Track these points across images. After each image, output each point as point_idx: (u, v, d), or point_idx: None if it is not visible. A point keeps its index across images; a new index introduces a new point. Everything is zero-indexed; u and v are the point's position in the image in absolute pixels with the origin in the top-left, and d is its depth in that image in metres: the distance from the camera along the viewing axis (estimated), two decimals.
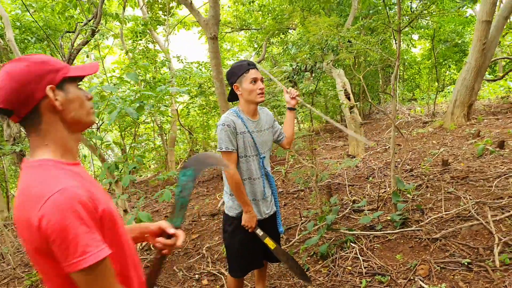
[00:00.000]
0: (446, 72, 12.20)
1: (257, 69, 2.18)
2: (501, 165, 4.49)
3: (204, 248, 3.87)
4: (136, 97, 3.48)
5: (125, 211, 4.29)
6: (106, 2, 7.80)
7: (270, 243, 2.23)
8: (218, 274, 3.25)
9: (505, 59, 11.79)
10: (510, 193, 3.59)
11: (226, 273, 3.18)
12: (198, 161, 1.34)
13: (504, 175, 4.10)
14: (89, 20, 5.86)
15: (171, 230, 1.21)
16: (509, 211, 3.18)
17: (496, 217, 3.13)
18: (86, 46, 7.16)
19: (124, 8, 8.36)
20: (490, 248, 2.73)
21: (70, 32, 6.74)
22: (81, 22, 6.33)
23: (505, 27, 7.95)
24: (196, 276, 3.32)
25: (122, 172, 3.77)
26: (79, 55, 8.76)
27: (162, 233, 1.23)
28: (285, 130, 2.42)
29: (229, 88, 2.30)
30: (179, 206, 1.26)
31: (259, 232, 2.21)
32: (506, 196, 3.54)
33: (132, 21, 8.21)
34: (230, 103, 4.28)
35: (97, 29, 5.72)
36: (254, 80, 2.13)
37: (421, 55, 13.64)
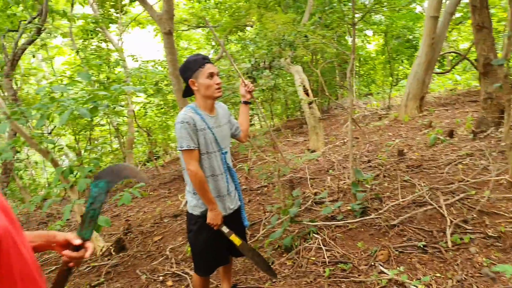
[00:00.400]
0: (399, 67, 12.73)
1: (212, 63, 2.14)
2: (451, 153, 4.76)
3: (167, 250, 3.77)
4: (89, 97, 3.31)
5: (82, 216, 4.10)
6: None
7: (235, 239, 2.19)
8: (183, 274, 3.18)
9: (452, 53, 12.49)
10: (459, 178, 3.81)
11: (191, 272, 3.11)
12: (112, 172, 1.27)
13: (454, 161, 4.35)
14: (34, 18, 5.51)
15: (76, 242, 1.15)
16: (459, 195, 3.38)
17: (448, 201, 3.31)
18: (31, 45, 6.74)
19: (72, 5, 7.94)
20: (443, 230, 2.89)
21: (13, 31, 6.28)
22: (25, 20, 5.93)
23: (450, 23, 8.42)
24: (161, 278, 3.22)
25: (78, 176, 3.58)
26: (25, 55, 8.22)
27: (69, 244, 1.16)
28: (241, 123, 2.40)
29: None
30: (89, 218, 1.20)
31: (225, 229, 2.17)
32: (456, 181, 3.76)
33: (82, 19, 7.82)
34: (189, 100, 4.20)
35: (43, 28, 5.40)
36: (211, 75, 2.08)
37: (375, 51, 14.14)
